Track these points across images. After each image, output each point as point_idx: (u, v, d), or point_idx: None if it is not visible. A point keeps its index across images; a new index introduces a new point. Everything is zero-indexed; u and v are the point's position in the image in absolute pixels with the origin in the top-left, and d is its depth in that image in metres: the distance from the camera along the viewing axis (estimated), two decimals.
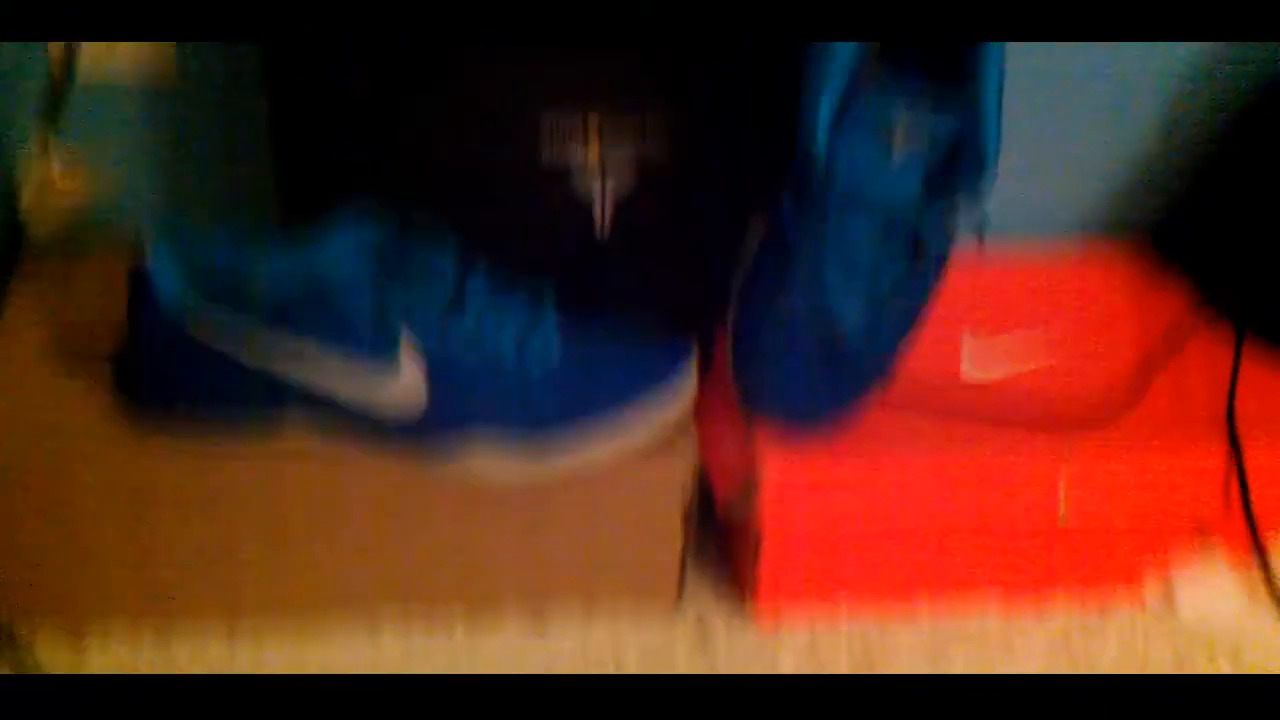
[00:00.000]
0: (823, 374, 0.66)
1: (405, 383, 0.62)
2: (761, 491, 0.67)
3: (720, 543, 0.76)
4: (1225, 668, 0.71)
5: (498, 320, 0.64)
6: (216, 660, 0.67)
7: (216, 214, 0.82)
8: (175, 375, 0.63)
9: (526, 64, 0.64)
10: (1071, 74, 0.83)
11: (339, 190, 0.66)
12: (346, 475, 0.65)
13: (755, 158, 0.68)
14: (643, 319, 0.68)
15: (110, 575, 0.67)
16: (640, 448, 0.65)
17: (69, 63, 0.71)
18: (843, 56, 0.61)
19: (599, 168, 0.67)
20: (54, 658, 0.66)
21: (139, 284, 0.62)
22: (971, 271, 0.74)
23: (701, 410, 0.68)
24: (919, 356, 0.69)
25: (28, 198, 0.70)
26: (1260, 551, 0.71)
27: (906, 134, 0.62)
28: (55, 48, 0.74)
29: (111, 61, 0.75)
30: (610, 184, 0.67)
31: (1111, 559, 0.74)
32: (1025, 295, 0.81)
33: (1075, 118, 0.85)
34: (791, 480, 0.67)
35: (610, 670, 0.68)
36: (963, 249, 0.65)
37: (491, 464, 0.64)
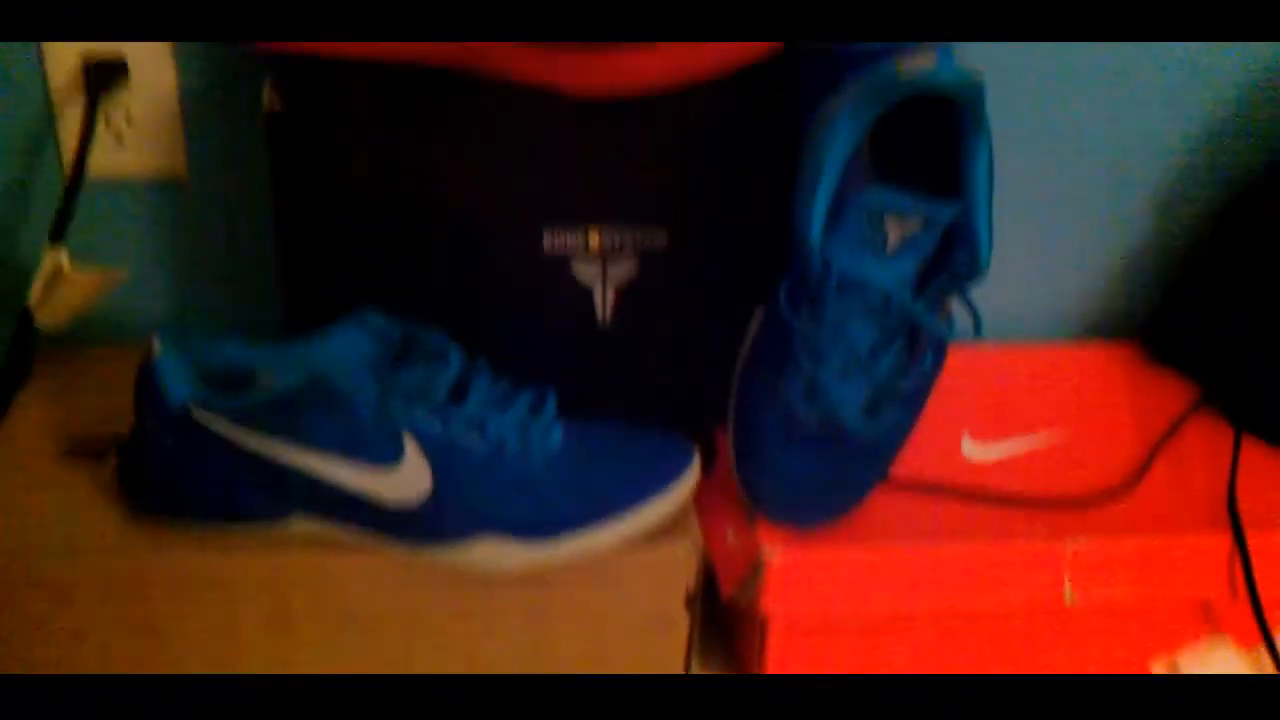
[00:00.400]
0: (822, 465, 0.66)
1: (409, 474, 0.62)
2: (766, 578, 0.67)
3: (725, 630, 0.76)
4: None
5: (500, 409, 0.64)
6: None
7: (224, 311, 0.83)
8: (181, 469, 0.64)
9: (529, 177, 0.66)
10: (1063, 168, 0.84)
11: (343, 292, 0.68)
12: (350, 565, 0.65)
13: (753, 248, 0.69)
14: (644, 408, 0.69)
15: (113, 663, 0.67)
16: (643, 536, 0.65)
17: (81, 160, 0.72)
18: (836, 150, 0.62)
19: (600, 258, 0.68)
20: None
21: (146, 379, 0.63)
22: (970, 366, 0.75)
23: (704, 498, 0.68)
24: (920, 447, 0.69)
25: (37, 294, 0.71)
26: (1266, 634, 0.71)
27: (900, 225, 0.63)
28: (67, 145, 0.76)
29: (122, 159, 0.77)
30: (611, 274, 0.69)
31: (1117, 642, 0.74)
32: (1024, 391, 0.82)
33: (1068, 216, 0.86)
34: (795, 567, 0.67)
35: None
36: (960, 343, 0.66)
37: (494, 553, 0.64)
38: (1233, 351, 0.81)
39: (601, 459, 0.65)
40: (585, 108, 0.64)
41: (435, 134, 0.65)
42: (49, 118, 0.76)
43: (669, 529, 0.66)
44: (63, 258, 0.71)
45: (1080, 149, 0.84)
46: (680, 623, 0.69)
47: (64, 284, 0.71)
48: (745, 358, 0.68)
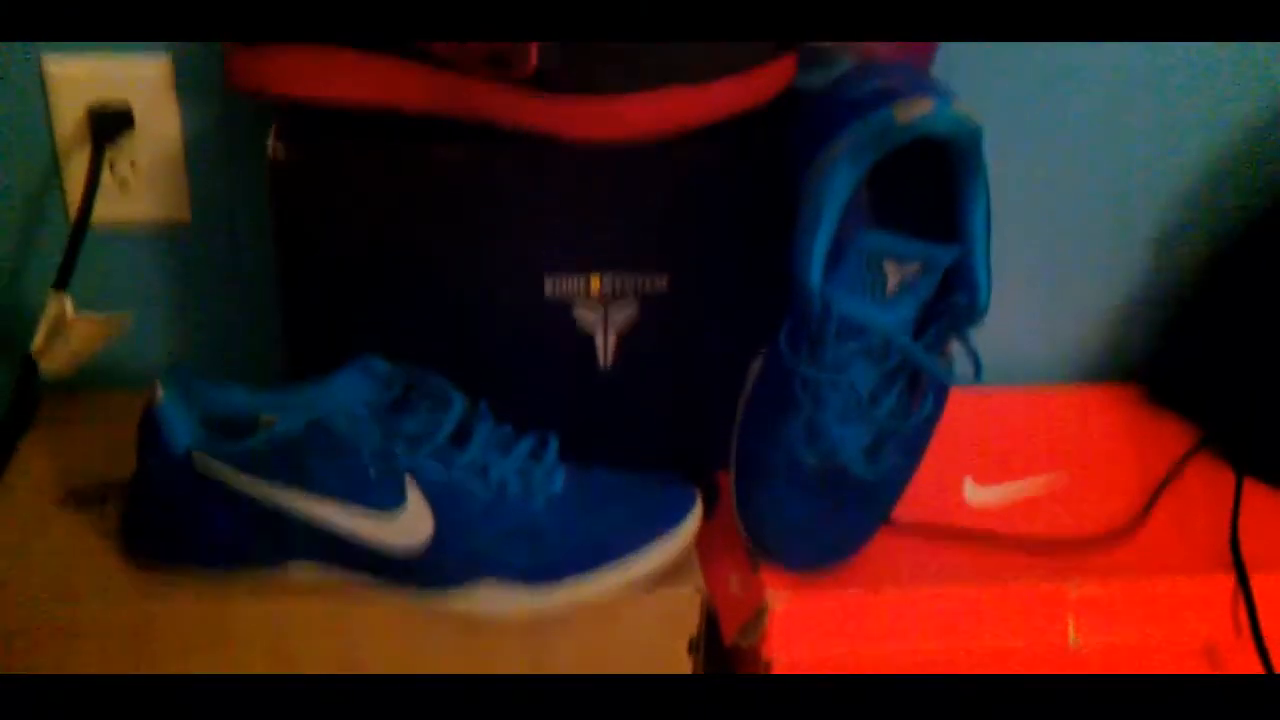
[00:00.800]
0: (825, 509, 0.66)
1: (411, 520, 0.62)
2: (769, 623, 0.67)
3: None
4: None
5: (502, 454, 0.64)
6: None
7: (227, 356, 0.83)
8: (183, 514, 0.64)
9: (530, 223, 0.67)
10: (1063, 211, 0.85)
11: (346, 337, 0.68)
12: (352, 611, 0.65)
13: (754, 292, 0.69)
14: (646, 452, 0.69)
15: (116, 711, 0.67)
16: (646, 581, 0.65)
17: (86, 207, 0.73)
18: (835, 195, 0.62)
19: (601, 303, 0.68)
20: None
21: (149, 425, 0.63)
22: (971, 409, 0.75)
23: (706, 542, 0.68)
24: (922, 490, 0.69)
25: (40, 340, 0.71)
26: (1271, 675, 0.71)
27: (899, 269, 0.63)
28: (73, 192, 0.76)
29: (127, 206, 0.77)
30: (612, 319, 0.69)
31: None
32: (1025, 433, 0.82)
33: (1068, 258, 0.86)
34: (799, 612, 0.67)
35: None
36: (961, 387, 0.66)
37: (497, 598, 0.64)
38: (1233, 393, 0.81)
39: (604, 504, 0.65)
40: (585, 155, 0.65)
41: (437, 181, 0.66)
42: (54, 165, 0.76)
43: (671, 574, 0.66)
44: (66, 304, 0.71)
45: (1080, 192, 0.84)
46: (683, 668, 0.69)
47: (67, 331, 0.71)
48: (746, 401, 0.68)
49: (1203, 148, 0.84)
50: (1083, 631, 0.69)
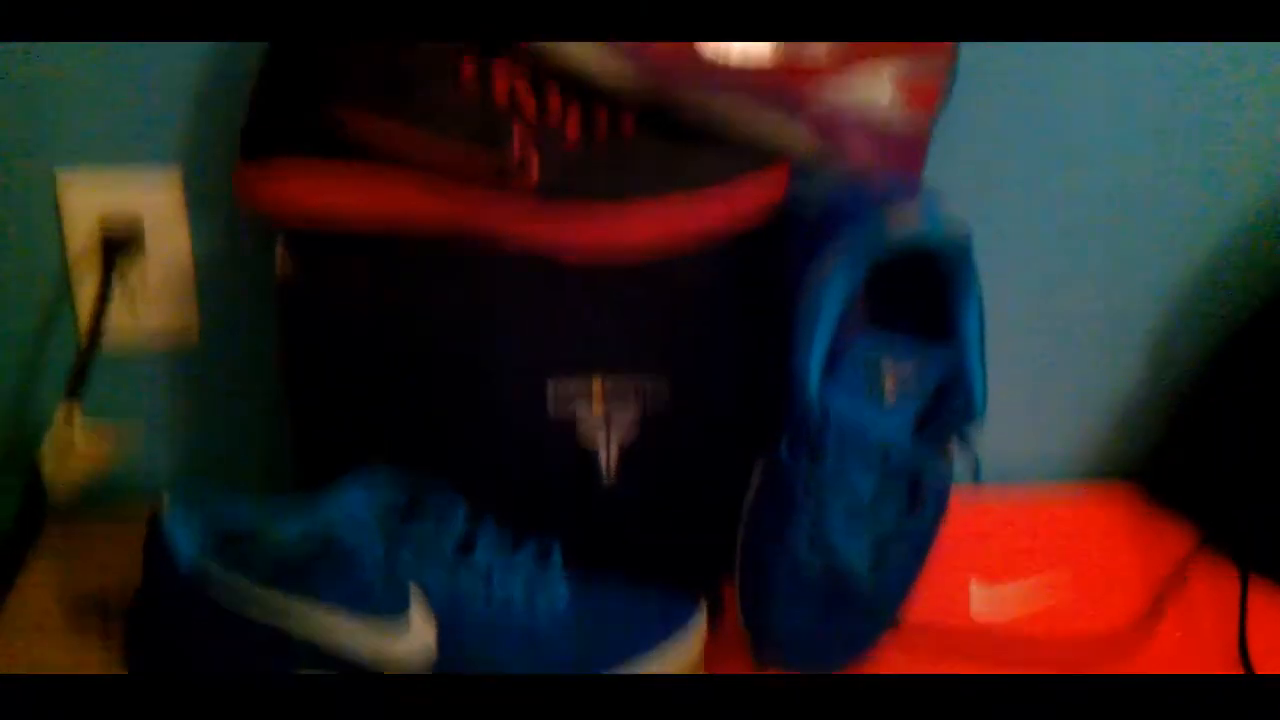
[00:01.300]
0: (831, 616, 0.66)
1: (416, 637, 0.62)
2: None
3: None
4: None
5: (506, 567, 0.65)
6: None
7: (234, 468, 0.83)
8: (189, 632, 0.64)
9: (531, 338, 0.68)
10: (1059, 310, 0.85)
11: (352, 448, 0.69)
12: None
13: (754, 403, 0.70)
14: (650, 565, 0.69)
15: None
16: None
17: (96, 324, 0.74)
18: (830, 303, 0.63)
19: (603, 415, 0.69)
20: None
21: (155, 543, 0.64)
22: (974, 516, 0.75)
23: (712, 652, 0.68)
24: (927, 599, 0.69)
25: (48, 459, 0.72)
26: None
27: (896, 373, 0.64)
28: (83, 309, 0.77)
29: (136, 322, 0.78)
30: (614, 431, 0.69)
31: None
32: (1027, 535, 0.82)
33: (1064, 358, 0.86)
34: None
35: None
36: (962, 492, 0.67)
37: None
38: (1234, 491, 0.81)
39: (607, 615, 0.65)
40: (584, 270, 0.66)
41: (440, 298, 0.67)
42: (65, 279, 0.77)
43: None
44: (76, 420, 0.72)
45: (1075, 289, 0.84)
46: None
47: (76, 446, 0.72)
48: (749, 510, 0.68)
49: (1198, 243, 0.84)
50: None
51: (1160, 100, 0.78)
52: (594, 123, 0.67)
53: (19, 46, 0.71)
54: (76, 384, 0.73)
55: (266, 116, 0.65)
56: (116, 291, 0.77)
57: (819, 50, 0.65)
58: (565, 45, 0.63)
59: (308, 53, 0.63)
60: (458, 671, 0.63)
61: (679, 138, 0.66)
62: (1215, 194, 0.82)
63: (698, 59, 0.64)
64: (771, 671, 0.68)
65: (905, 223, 0.61)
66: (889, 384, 0.64)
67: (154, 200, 0.75)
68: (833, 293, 0.63)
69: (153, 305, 0.78)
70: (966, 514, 0.69)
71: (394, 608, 0.62)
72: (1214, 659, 0.71)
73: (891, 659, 0.69)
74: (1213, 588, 0.77)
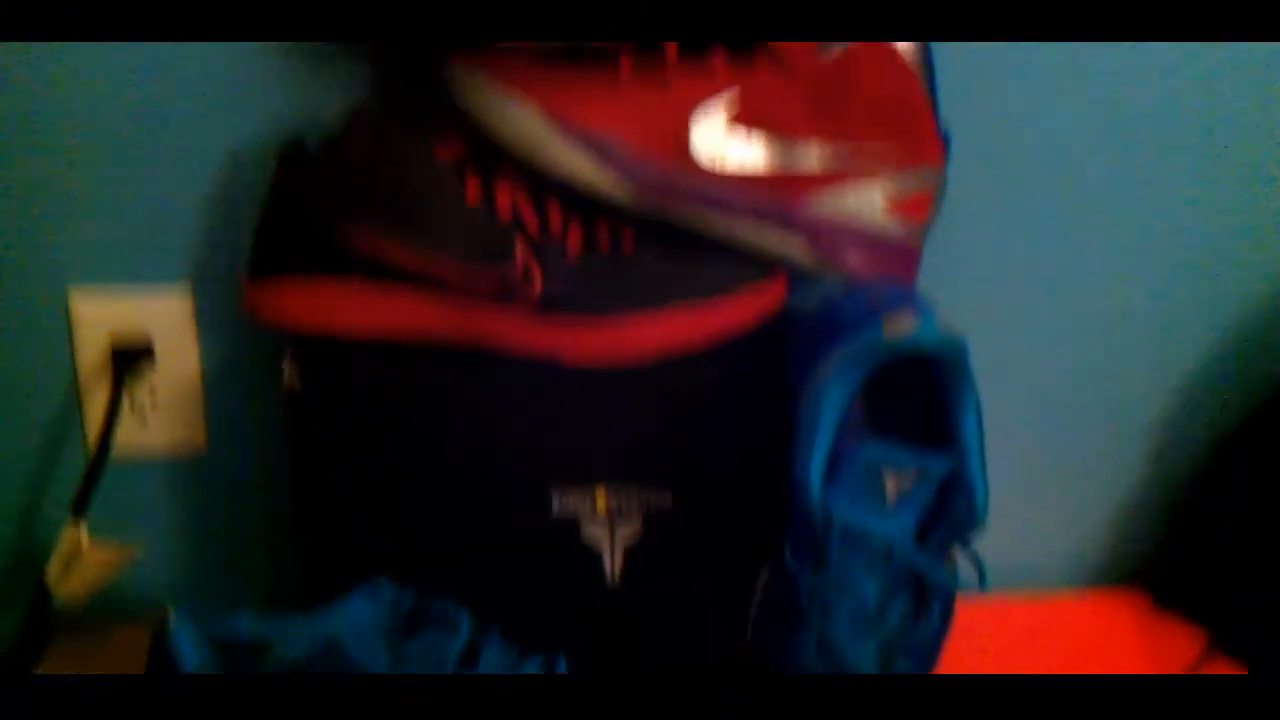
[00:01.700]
0: None
1: None
2: None
3: None
4: None
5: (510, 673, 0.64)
6: None
7: (239, 581, 0.83)
8: None
9: (535, 443, 0.68)
10: (1059, 412, 0.85)
11: (357, 559, 0.69)
12: None
13: (756, 505, 0.71)
14: (655, 668, 0.69)
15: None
16: None
17: (105, 439, 0.74)
18: (830, 408, 0.64)
19: (607, 520, 0.69)
20: None
21: (160, 655, 0.64)
22: (977, 618, 0.74)
23: None
24: None
25: (55, 570, 0.72)
26: None
27: (897, 478, 0.64)
28: (92, 423, 0.78)
29: (145, 436, 0.79)
30: (619, 535, 0.70)
31: None
32: (1032, 641, 0.81)
33: (1065, 463, 0.86)
34: None
35: None
36: (967, 595, 0.67)
37: None
38: (1239, 595, 0.80)
39: None
40: (585, 375, 0.67)
41: (445, 406, 0.68)
42: (74, 394, 0.77)
43: None
44: (82, 535, 0.72)
45: (1075, 394, 0.84)
46: None
47: (82, 559, 0.72)
48: (755, 616, 0.68)
49: (1199, 345, 0.84)
50: None
51: (1157, 212, 0.80)
52: (595, 236, 0.68)
53: (38, 160, 0.72)
54: (84, 500, 0.73)
55: (274, 235, 0.66)
56: (126, 405, 0.77)
57: (812, 162, 0.66)
58: (563, 161, 0.65)
59: (314, 172, 0.65)
60: None
61: (679, 249, 0.68)
62: (1210, 293, 0.83)
63: (692, 172, 0.65)
64: None
65: (901, 328, 0.62)
66: (890, 488, 0.64)
67: (164, 316, 0.76)
68: (832, 398, 0.64)
69: (162, 418, 0.79)
70: (971, 619, 0.69)
71: None
72: None
73: None
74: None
